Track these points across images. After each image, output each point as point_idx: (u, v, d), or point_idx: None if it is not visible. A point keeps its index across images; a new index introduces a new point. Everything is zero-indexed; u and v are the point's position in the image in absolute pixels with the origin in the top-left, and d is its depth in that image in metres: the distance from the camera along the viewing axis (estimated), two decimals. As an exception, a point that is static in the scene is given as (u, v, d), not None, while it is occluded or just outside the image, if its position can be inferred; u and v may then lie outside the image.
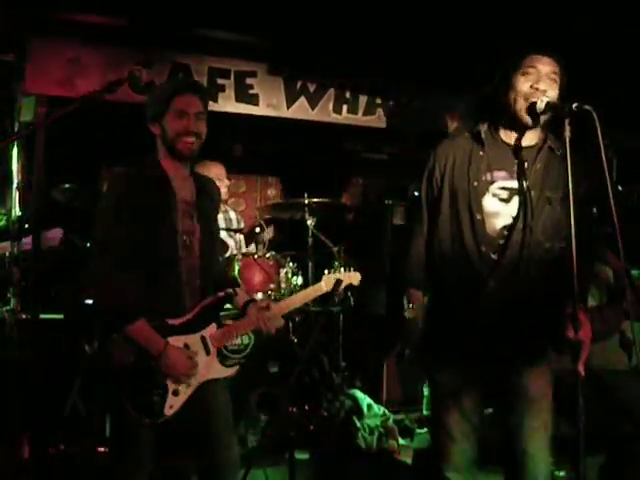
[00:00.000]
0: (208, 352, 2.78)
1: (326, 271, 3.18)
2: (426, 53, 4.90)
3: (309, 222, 4.87)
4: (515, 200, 2.57)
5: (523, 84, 2.54)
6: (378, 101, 5.35)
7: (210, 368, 2.78)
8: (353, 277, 3.24)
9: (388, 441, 4.42)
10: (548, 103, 2.46)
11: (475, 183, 2.59)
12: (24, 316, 4.37)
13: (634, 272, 3.66)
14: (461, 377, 2.64)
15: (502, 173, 2.60)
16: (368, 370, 5.33)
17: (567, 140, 2.35)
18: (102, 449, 4.06)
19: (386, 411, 4.64)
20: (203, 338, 2.78)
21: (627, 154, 4.31)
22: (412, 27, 4.70)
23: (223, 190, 5.10)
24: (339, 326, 5.10)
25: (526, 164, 2.59)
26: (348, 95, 5.27)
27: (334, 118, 5.24)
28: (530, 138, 2.63)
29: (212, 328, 2.81)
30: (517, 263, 2.54)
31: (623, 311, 3.54)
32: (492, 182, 2.59)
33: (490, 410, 2.87)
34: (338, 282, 3.05)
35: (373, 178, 6.93)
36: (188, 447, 2.91)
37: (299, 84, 5.14)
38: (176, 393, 2.69)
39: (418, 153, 2.83)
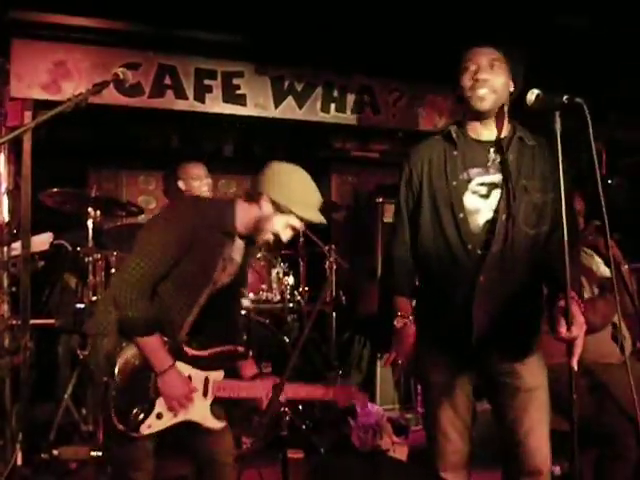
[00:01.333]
0: (205, 395, 2.76)
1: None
2: (413, 50, 4.89)
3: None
4: (494, 194, 2.60)
5: (465, 80, 2.59)
6: (366, 99, 5.35)
7: (200, 411, 2.75)
8: (361, 398, 3.13)
9: (382, 439, 4.41)
10: (538, 95, 2.42)
11: (454, 183, 2.62)
12: (14, 321, 4.35)
13: (625, 267, 3.67)
14: (453, 376, 2.65)
15: (477, 169, 2.62)
16: (361, 368, 5.33)
17: (558, 133, 2.35)
18: (95, 454, 4.05)
19: (380, 409, 4.64)
20: (207, 379, 2.76)
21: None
22: (399, 24, 4.69)
23: (204, 189, 5.06)
24: (332, 325, 5.10)
25: (498, 157, 2.62)
26: (336, 94, 5.26)
27: (322, 117, 5.23)
28: (498, 131, 2.66)
29: (219, 375, 2.79)
30: (504, 255, 2.56)
31: (615, 303, 3.55)
32: (470, 180, 2.62)
33: (485, 406, 2.88)
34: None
35: (363, 176, 6.93)
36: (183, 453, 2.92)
37: (286, 83, 5.13)
38: (159, 416, 2.66)
39: (411, 150, 2.82)
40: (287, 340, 4.70)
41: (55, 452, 4.05)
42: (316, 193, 2.79)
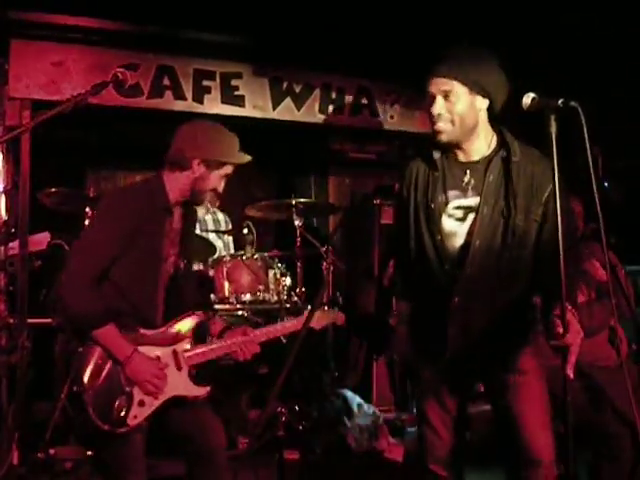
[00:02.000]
0: (179, 368, 2.78)
1: (309, 306, 3.20)
2: (411, 52, 4.90)
3: (297, 223, 4.87)
4: (469, 217, 2.59)
5: (426, 111, 2.61)
6: (364, 101, 5.36)
7: (180, 384, 2.77)
8: (338, 317, 3.25)
9: (379, 440, 4.42)
10: (534, 99, 2.41)
11: (432, 205, 2.62)
12: (12, 320, 4.35)
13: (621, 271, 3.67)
14: (442, 375, 2.67)
15: (455, 192, 2.62)
16: (358, 370, 5.34)
17: (553, 136, 2.35)
18: (91, 453, 4.04)
19: (376, 410, 4.64)
20: (175, 352, 2.78)
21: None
22: (398, 26, 4.70)
23: None
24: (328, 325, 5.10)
25: (474, 179, 2.60)
26: (334, 95, 5.27)
27: (320, 118, 5.24)
28: (477, 151, 2.63)
29: (186, 344, 2.81)
30: (480, 278, 2.56)
31: (612, 307, 3.56)
32: (447, 202, 2.61)
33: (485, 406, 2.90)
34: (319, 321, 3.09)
35: (360, 178, 6.93)
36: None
37: (285, 85, 5.14)
38: (141, 404, 2.67)
39: (405, 152, 2.85)
40: (283, 341, 4.70)
41: (51, 451, 4.04)
42: (232, 135, 2.89)
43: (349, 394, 4.68)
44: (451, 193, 2.62)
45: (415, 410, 2.89)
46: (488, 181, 2.58)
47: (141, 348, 2.69)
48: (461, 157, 2.65)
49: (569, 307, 2.39)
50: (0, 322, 4.32)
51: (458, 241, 2.60)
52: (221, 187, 2.85)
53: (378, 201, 5.69)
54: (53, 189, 4.54)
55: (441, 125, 2.56)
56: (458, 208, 2.61)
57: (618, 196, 4.91)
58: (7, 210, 4.53)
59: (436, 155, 2.66)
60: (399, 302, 2.83)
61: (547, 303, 2.56)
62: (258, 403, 4.51)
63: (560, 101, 2.35)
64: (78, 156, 5.70)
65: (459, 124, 2.55)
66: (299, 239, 4.94)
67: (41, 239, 4.61)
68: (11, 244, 4.45)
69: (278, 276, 4.70)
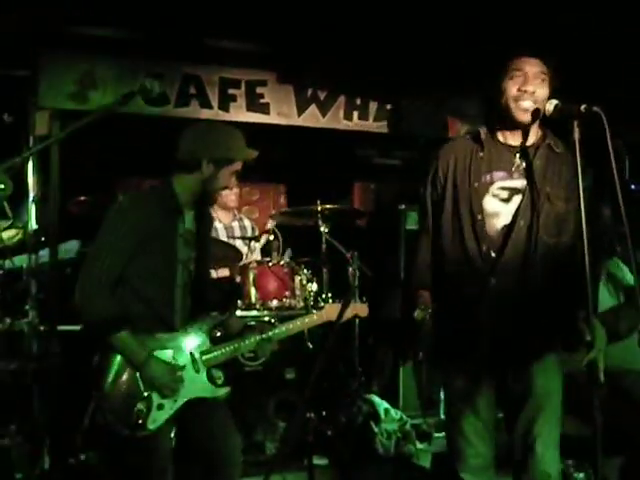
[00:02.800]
0: (197, 369, 2.79)
1: (330, 300, 3.17)
2: (436, 57, 4.91)
3: (322, 228, 4.88)
4: (515, 199, 2.61)
5: (511, 88, 2.59)
6: (388, 107, 5.36)
7: (198, 386, 2.78)
8: (360, 309, 3.24)
9: (406, 446, 4.41)
10: (557, 105, 2.49)
11: (476, 184, 2.63)
12: (42, 328, 4.41)
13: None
14: (474, 379, 2.65)
15: (501, 173, 2.63)
16: (384, 375, 5.33)
17: (577, 141, 2.37)
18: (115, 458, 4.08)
19: (403, 416, 4.63)
20: (192, 355, 2.79)
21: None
22: (421, 32, 4.71)
23: (232, 198, 5.13)
24: (355, 331, 5.11)
25: (524, 163, 2.63)
26: (359, 102, 5.28)
27: (345, 125, 5.26)
28: (532, 138, 2.66)
29: (203, 346, 2.82)
30: (518, 261, 2.56)
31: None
32: (492, 183, 2.63)
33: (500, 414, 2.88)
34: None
35: (386, 183, 6.93)
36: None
37: (309, 92, 5.16)
38: (161, 407, 2.69)
39: (430, 157, 2.85)
40: (311, 347, 4.72)
41: (82, 457, 4.08)
42: (237, 131, 2.91)
43: (376, 399, 4.68)
44: (497, 174, 2.63)
45: (445, 417, 2.87)
46: (536, 165, 2.60)
47: (158, 352, 2.71)
48: (512, 141, 2.66)
49: (593, 315, 2.39)
50: (31, 329, 4.37)
51: (501, 221, 2.60)
52: (232, 184, 2.89)
53: (403, 206, 5.68)
54: (82, 198, 4.60)
55: (529, 104, 2.56)
56: (503, 189, 2.62)
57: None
58: (37, 219, 4.59)
59: (484, 135, 2.68)
60: (422, 291, 2.78)
61: (570, 304, 2.56)
62: (285, 408, 4.52)
63: (583, 107, 2.37)
64: (106, 165, 5.76)
65: (540, 108, 2.56)
66: (325, 245, 4.96)
67: (71, 247, 4.68)
68: (41, 252, 4.51)
69: (304, 282, 4.71)
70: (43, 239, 4.58)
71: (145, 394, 2.67)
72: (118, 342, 2.65)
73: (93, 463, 4.03)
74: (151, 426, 2.66)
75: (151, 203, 2.77)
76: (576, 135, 2.37)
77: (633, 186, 4.38)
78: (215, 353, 2.83)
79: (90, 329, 2.70)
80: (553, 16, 4.39)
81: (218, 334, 2.93)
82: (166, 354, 2.74)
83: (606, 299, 3.57)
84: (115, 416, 2.64)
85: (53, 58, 4.58)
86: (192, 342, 2.80)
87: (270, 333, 2.93)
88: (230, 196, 5.10)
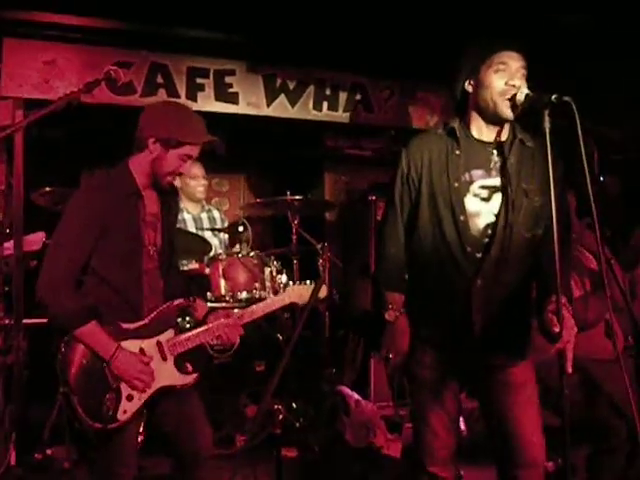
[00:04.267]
0: (164, 358, 2.75)
1: (291, 282, 3.16)
2: (405, 47, 4.90)
3: (292, 220, 4.86)
4: (495, 198, 2.59)
5: (497, 81, 2.55)
6: (358, 97, 5.35)
7: (166, 375, 2.74)
8: (320, 290, 3.21)
9: (376, 436, 4.42)
10: (527, 95, 2.48)
11: (455, 184, 2.59)
12: (7, 321, 4.34)
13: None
14: (440, 373, 2.65)
15: (479, 172, 2.61)
16: (355, 366, 5.33)
17: (547, 131, 2.37)
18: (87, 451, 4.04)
19: (374, 406, 4.64)
20: (159, 343, 2.75)
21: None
22: (390, 21, 4.70)
23: (200, 189, 5.09)
24: (325, 322, 5.10)
25: (500, 160, 2.61)
26: (328, 92, 5.26)
27: (314, 115, 5.24)
28: (506, 133, 2.65)
29: (169, 334, 2.78)
30: (501, 259, 2.57)
31: (607, 300, 3.56)
32: (472, 182, 2.60)
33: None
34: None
35: (356, 174, 6.93)
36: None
37: (278, 82, 5.13)
38: (130, 398, 2.66)
39: (399, 148, 2.82)
40: (280, 338, 4.70)
41: (48, 452, 4.04)
42: (196, 115, 2.81)
43: (347, 390, 4.68)
44: (476, 172, 2.61)
45: (411, 411, 2.85)
46: (510, 162, 2.59)
47: (124, 343, 2.66)
48: (486, 136, 2.64)
49: (564, 302, 2.40)
50: (-4, 323, 4.31)
51: (483, 221, 2.58)
52: (182, 169, 2.75)
53: (374, 197, 5.68)
54: (47, 188, 4.52)
55: (513, 98, 2.53)
56: (483, 188, 2.60)
57: (614, 190, 4.92)
58: (2, 210, 4.51)
59: (459, 132, 2.64)
60: (392, 294, 2.76)
61: (542, 294, 2.58)
62: (256, 400, 4.50)
63: (553, 96, 2.37)
64: (72, 155, 5.68)
65: (521, 102, 2.53)
66: (295, 236, 4.94)
67: (36, 239, 4.60)
68: (6, 244, 4.43)
69: (274, 273, 4.69)
70: (8, 231, 4.51)
71: (114, 386, 2.63)
72: (86, 335, 2.60)
73: (59, 458, 3.99)
74: (122, 417, 2.63)
75: (110, 187, 2.70)
76: (546, 124, 2.36)
77: (602, 178, 4.41)
78: (181, 340, 2.78)
79: (57, 322, 2.64)
80: (547, 14, 4.42)
81: (184, 321, 2.90)
82: (133, 344, 2.69)
83: (573, 289, 3.59)
84: (84, 410, 2.59)
85: (16, 46, 4.49)
86: (158, 330, 2.76)
87: (235, 317, 2.88)
88: (197, 187, 5.07)
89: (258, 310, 2.96)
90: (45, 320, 4.54)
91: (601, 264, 3.46)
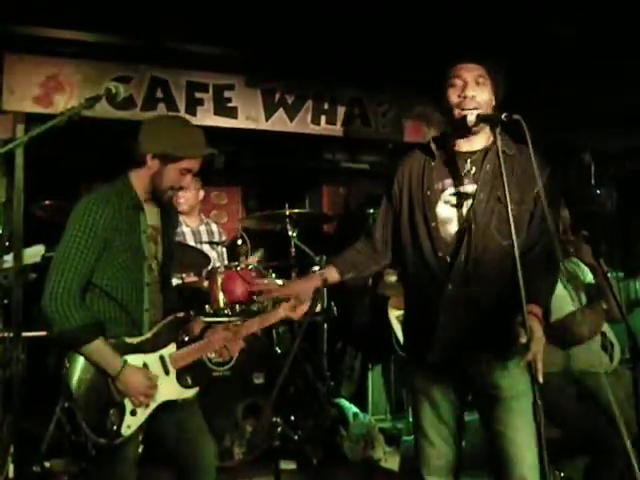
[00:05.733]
0: (167, 372, 2.76)
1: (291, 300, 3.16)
2: (402, 62, 4.94)
3: (291, 233, 4.88)
4: (466, 204, 2.64)
5: (452, 95, 2.63)
6: (356, 111, 5.38)
7: (168, 389, 2.75)
8: (321, 303, 3.24)
9: (374, 449, 4.42)
10: (478, 115, 2.57)
11: (428, 192, 2.68)
12: (6, 334, 4.34)
13: (611, 275, 3.69)
14: (435, 382, 2.68)
15: (452, 180, 2.68)
16: (353, 379, 5.34)
17: (499, 150, 2.45)
18: (86, 465, 4.04)
19: (372, 419, 4.64)
20: (162, 358, 2.76)
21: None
22: (388, 37, 4.73)
23: (181, 201, 4.99)
24: (323, 335, 5.11)
25: (474, 168, 2.66)
26: (326, 106, 5.30)
27: (312, 129, 5.27)
28: (478, 142, 2.70)
29: (171, 348, 2.79)
30: (472, 265, 2.59)
31: (604, 312, 3.58)
32: (443, 190, 2.68)
33: (473, 416, 2.89)
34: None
35: (354, 187, 6.95)
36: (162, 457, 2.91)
37: (277, 96, 5.17)
38: (134, 413, 2.66)
39: (397, 162, 2.88)
40: (279, 351, 4.71)
41: (47, 464, 4.03)
42: (194, 128, 2.80)
43: (345, 403, 4.68)
44: (448, 181, 2.68)
45: (412, 420, 2.88)
46: (485, 170, 2.64)
47: (129, 357, 2.67)
48: (462, 147, 2.70)
49: (533, 312, 2.44)
50: (-6, 336, 4.31)
51: (453, 227, 2.64)
52: (183, 183, 2.75)
53: (371, 210, 5.70)
54: (47, 202, 4.54)
55: (471, 108, 2.59)
56: (454, 195, 2.66)
57: (611, 203, 4.94)
58: (1, 223, 4.53)
59: (433, 145, 2.73)
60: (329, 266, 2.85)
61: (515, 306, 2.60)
62: (254, 413, 4.50)
63: (504, 115, 2.45)
64: (72, 169, 5.71)
65: (484, 111, 2.60)
66: (293, 249, 4.96)
67: (36, 252, 4.61)
68: (5, 257, 4.44)
69: (272, 286, 4.69)
70: (7, 244, 4.52)
71: (117, 401, 2.64)
72: (93, 352, 2.60)
73: (58, 471, 3.99)
74: (125, 432, 2.63)
75: (111, 201, 2.69)
76: (498, 142, 2.45)
77: (598, 191, 4.44)
78: (183, 353, 2.80)
79: (63, 339, 2.62)
80: (539, 26, 4.45)
81: (183, 336, 2.90)
82: (137, 359, 2.70)
83: (568, 303, 3.61)
84: (89, 425, 2.59)
85: (18, 60, 4.52)
86: (160, 344, 2.77)
87: (234, 330, 2.89)
88: (179, 199, 4.89)
89: (254, 324, 2.97)
90: (44, 333, 4.57)
91: (598, 276, 3.51)
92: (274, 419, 3.48)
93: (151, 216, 2.82)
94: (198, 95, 4.97)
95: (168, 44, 4.73)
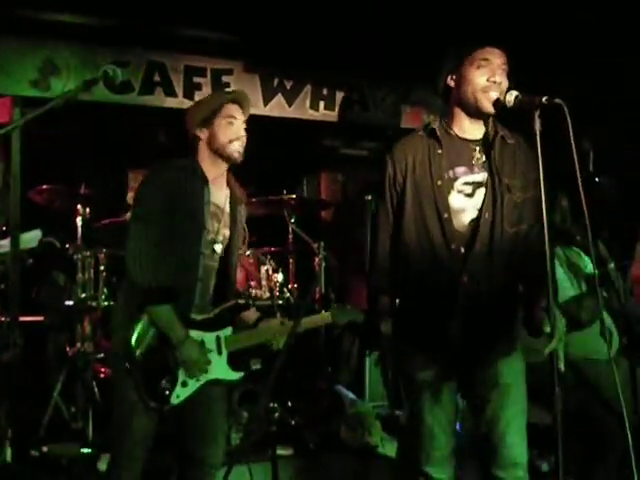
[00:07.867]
0: (220, 352, 2.87)
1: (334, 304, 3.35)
2: (402, 47, 4.91)
3: (289, 219, 4.87)
4: (478, 193, 2.62)
5: (479, 77, 2.58)
6: (355, 97, 5.36)
7: (219, 368, 2.86)
8: (360, 316, 3.30)
9: (371, 436, 4.43)
10: (517, 97, 2.50)
11: (439, 182, 2.62)
12: (3, 319, 4.34)
13: (611, 265, 3.68)
14: (438, 372, 2.66)
15: (463, 168, 2.63)
16: (351, 365, 5.34)
17: (537, 133, 2.39)
18: (85, 451, 4.05)
19: (369, 406, 4.65)
20: (218, 338, 2.88)
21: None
22: (388, 21, 4.70)
23: None
24: (321, 322, 5.10)
25: (483, 156, 2.64)
26: (325, 92, 5.27)
27: (311, 115, 5.24)
28: (480, 129, 2.68)
29: (228, 331, 2.91)
30: (486, 254, 2.58)
31: (603, 300, 3.58)
32: (455, 179, 2.62)
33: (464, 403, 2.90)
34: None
35: (353, 174, 6.94)
36: (173, 444, 2.97)
37: (276, 81, 5.13)
38: (185, 384, 2.77)
39: (394, 146, 2.84)
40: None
41: (45, 449, 4.05)
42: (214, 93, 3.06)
43: (342, 390, 4.69)
44: (458, 169, 2.63)
45: (409, 410, 2.85)
46: (493, 157, 2.62)
47: (191, 332, 2.78)
48: (469, 134, 2.67)
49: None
50: (-8, 320, 4.31)
51: (467, 217, 2.60)
52: (239, 131, 2.93)
53: (370, 197, 5.69)
54: (44, 186, 4.53)
55: (496, 95, 2.56)
56: (467, 184, 2.62)
57: (614, 190, 4.93)
58: (-2, 208, 4.52)
59: (438, 132, 2.67)
60: (383, 298, 2.80)
61: (529, 291, 2.61)
62: (251, 399, 4.51)
63: (544, 98, 2.39)
64: (69, 153, 5.69)
65: (511, 103, 2.55)
66: (291, 235, 4.95)
67: (32, 237, 4.61)
68: (2, 242, 4.44)
69: (270, 272, 4.70)
70: (4, 228, 4.51)
71: (173, 369, 2.75)
72: (162, 316, 2.71)
73: (56, 455, 4.00)
74: (174, 401, 2.74)
75: (176, 171, 2.85)
76: (537, 126, 2.38)
77: (597, 179, 4.42)
78: (237, 338, 2.92)
79: (146, 297, 2.71)
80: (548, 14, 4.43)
81: (239, 322, 3.00)
82: (198, 335, 2.81)
83: (568, 289, 3.61)
84: (143, 387, 2.71)
85: (14, 43, 4.48)
86: (219, 325, 2.89)
87: (287, 325, 2.98)
88: None
89: (311, 322, 3.10)
90: (40, 318, 4.58)
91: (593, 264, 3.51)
92: (271, 405, 3.48)
93: (218, 195, 2.93)
94: (196, 79, 4.93)
95: (166, 28, 4.69)
